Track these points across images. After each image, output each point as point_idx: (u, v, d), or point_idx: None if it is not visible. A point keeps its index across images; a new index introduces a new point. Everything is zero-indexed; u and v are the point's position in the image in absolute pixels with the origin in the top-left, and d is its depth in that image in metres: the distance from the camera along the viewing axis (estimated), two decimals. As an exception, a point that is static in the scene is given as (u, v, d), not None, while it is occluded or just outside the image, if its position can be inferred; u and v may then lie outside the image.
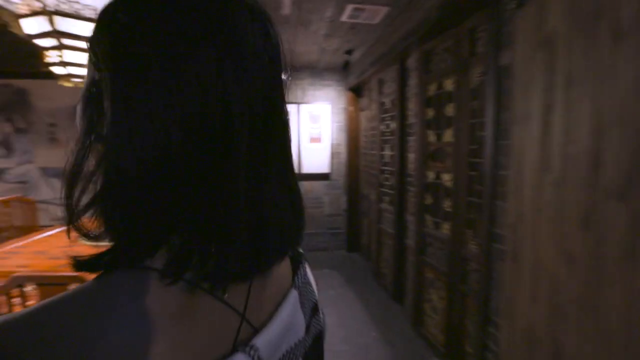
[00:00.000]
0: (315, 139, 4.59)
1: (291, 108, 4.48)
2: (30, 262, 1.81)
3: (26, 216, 3.40)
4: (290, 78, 0.38)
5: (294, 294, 0.36)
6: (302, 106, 4.54)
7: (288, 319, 0.34)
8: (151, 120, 0.26)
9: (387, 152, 3.41)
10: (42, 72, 4.76)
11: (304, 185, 4.58)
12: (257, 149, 0.29)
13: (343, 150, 4.68)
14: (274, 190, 0.31)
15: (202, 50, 0.26)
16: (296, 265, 0.40)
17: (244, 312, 0.31)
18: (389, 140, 3.35)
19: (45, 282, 1.23)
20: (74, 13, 2.07)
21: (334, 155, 4.65)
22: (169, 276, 0.25)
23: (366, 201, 4.24)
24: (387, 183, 3.42)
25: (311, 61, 4.18)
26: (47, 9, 2.00)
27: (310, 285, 0.41)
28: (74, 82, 2.25)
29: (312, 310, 0.39)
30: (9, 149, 4.80)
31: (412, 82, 2.82)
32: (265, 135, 0.30)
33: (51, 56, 2.13)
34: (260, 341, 0.30)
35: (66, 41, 2.10)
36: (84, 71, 2.36)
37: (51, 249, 2.02)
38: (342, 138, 4.67)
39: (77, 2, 2.11)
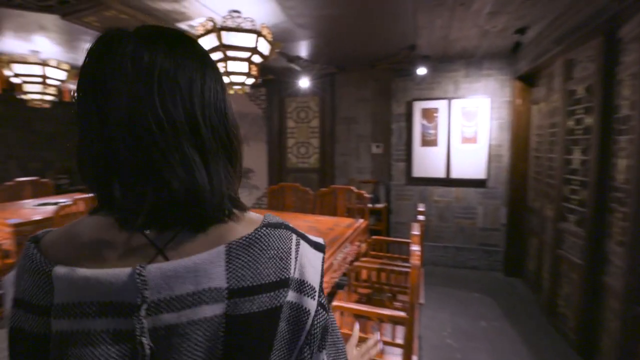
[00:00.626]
0: (468, 139, 3.98)
1: (440, 104, 4.05)
2: None
3: None
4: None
5: (219, 249, 0.41)
6: (454, 102, 4.00)
7: (194, 265, 0.39)
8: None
9: (577, 157, 2.61)
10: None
11: (452, 192, 4.06)
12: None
13: (505, 152, 3.91)
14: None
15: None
16: (259, 235, 0.43)
17: (163, 248, 0.41)
18: (580, 140, 2.55)
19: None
20: (237, 27, 2.24)
21: (492, 158, 3.94)
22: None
23: (536, 217, 3.41)
24: (574, 197, 2.62)
25: (467, 48, 3.62)
26: (217, 26, 2.22)
27: (283, 261, 0.42)
28: (234, 89, 2.47)
29: (276, 284, 0.41)
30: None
31: (628, 58, 2.02)
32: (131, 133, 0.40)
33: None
34: (154, 266, 0.39)
35: (230, 53, 2.30)
36: (241, 79, 2.59)
37: None
38: (503, 138, 3.91)
39: (239, 16, 2.28)
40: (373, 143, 4.72)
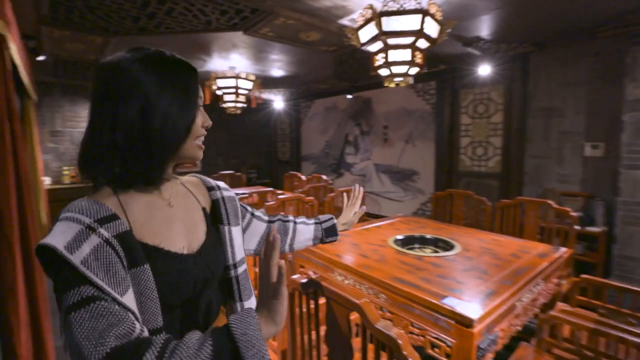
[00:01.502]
0: None
1: None
2: (339, 250, 1.94)
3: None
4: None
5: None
6: None
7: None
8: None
9: None
10: (381, 82, 5.68)
11: None
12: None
13: None
14: None
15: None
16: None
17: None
18: None
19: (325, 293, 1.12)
20: (399, 9, 1.95)
21: None
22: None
23: None
24: None
25: None
26: (376, 12, 1.99)
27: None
28: (395, 82, 2.19)
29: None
30: (356, 147, 6.05)
31: None
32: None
33: (378, 60, 2.15)
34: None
35: (391, 41, 2.03)
36: (403, 69, 2.28)
37: (364, 241, 2.11)
38: None
39: (403, -4, 1.97)
40: (587, 142, 3.49)
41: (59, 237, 0.54)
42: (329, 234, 1.14)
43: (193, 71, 0.71)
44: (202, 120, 0.72)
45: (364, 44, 2.14)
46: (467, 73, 4.24)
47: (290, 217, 1.12)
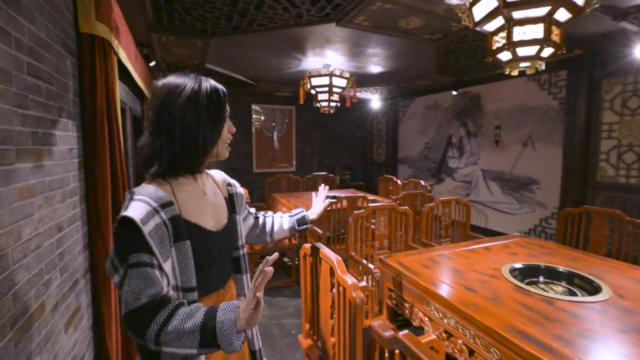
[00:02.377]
0: None
1: None
2: (437, 275, 1.57)
3: (461, 216, 3.51)
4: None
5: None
6: None
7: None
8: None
9: None
10: (493, 75, 4.91)
11: None
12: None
13: None
14: None
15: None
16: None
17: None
18: None
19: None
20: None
21: None
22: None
23: None
24: None
25: None
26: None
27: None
28: (522, 67, 1.72)
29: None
30: (461, 150, 5.38)
31: None
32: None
33: (497, 41, 1.72)
34: None
35: (516, 14, 1.60)
36: (533, 50, 1.78)
37: (469, 267, 1.69)
38: None
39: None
40: None
41: (135, 212, 0.76)
42: (300, 223, 1.38)
43: (222, 94, 0.93)
44: (227, 128, 0.98)
45: (478, 23, 1.74)
46: (616, 57, 3.34)
47: (270, 213, 1.38)
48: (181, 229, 0.84)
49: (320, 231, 3.14)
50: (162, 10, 2.52)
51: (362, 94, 6.52)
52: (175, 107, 0.85)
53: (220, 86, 0.94)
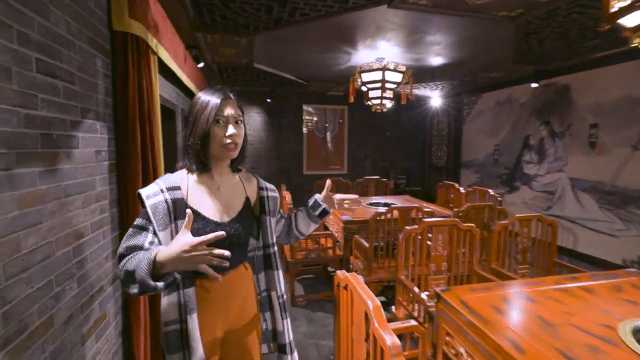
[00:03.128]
0: None
1: None
2: (516, 330, 1.21)
3: (545, 235, 3.02)
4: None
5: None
6: None
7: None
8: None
9: None
10: (590, 61, 4.18)
11: None
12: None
13: None
14: None
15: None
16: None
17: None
18: None
19: None
20: None
21: None
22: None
23: None
24: None
25: None
26: None
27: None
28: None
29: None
30: (541, 154, 4.72)
31: None
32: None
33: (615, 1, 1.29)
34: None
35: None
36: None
37: (565, 319, 1.28)
38: None
39: None
40: None
41: (146, 190, 1.03)
42: (314, 208, 1.38)
43: (215, 96, 1.09)
44: (224, 132, 1.09)
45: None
46: None
47: (294, 211, 1.43)
48: (182, 210, 1.04)
49: (366, 244, 2.88)
50: (202, 7, 2.46)
51: (420, 91, 6.07)
52: (189, 116, 1.11)
53: (213, 97, 1.08)
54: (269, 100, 6.07)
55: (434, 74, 4.68)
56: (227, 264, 0.90)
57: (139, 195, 1.02)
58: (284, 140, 6.50)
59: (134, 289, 0.90)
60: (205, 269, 0.89)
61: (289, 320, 1.26)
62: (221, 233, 0.88)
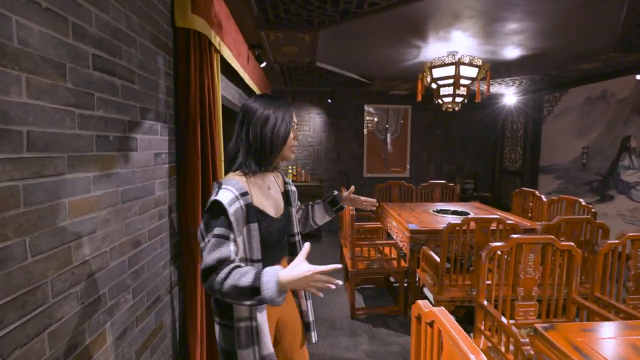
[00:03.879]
0: None
1: None
2: None
3: None
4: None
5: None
6: None
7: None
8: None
9: None
10: None
11: None
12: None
13: None
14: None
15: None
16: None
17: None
18: None
19: None
20: None
21: None
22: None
23: None
24: None
25: None
26: None
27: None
28: None
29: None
30: (645, 159, 3.96)
31: None
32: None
33: None
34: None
35: None
36: None
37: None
38: None
39: None
40: None
41: (224, 198, 1.02)
42: (332, 204, 1.51)
43: (288, 105, 1.21)
44: (293, 135, 1.23)
45: None
46: None
47: (310, 203, 1.54)
48: (252, 213, 1.10)
49: (436, 258, 2.55)
50: (266, 2, 2.33)
51: (493, 88, 5.49)
52: (252, 116, 1.14)
53: (285, 105, 1.20)
54: (329, 100, 5.90)
55: (510, 68, 4.16)
56: (334, 287, 0.98)
57: (219, 204, 1.02)
58: (344, 141, 6.29)
59: (248, 302, 0.95)
60: (315, 291, 0.98)
61: (311, 301, 1.39)
62: (339, 266, 0.98)
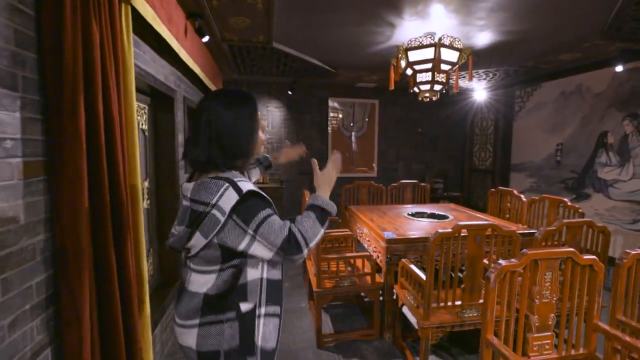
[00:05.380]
0: None
1: None
2: None
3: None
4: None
5: (195, 182, 1.08)
6: None
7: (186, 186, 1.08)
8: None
9: None
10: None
11: None
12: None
13: None
14: None
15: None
16: None
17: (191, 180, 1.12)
18: None
19: None
20: None
21: None
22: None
23: None
24: None
25: None
26: None
27: (210, 193, 0.99)
28: None
29: (204, 203, 1.01)
30: (623, 155, 3.78)
31: None
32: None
33: None
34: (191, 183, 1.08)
35: None
36: None
37: None
38: None
39: None
40: None
41: (251, 187, 1.01)
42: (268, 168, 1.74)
43: (254, 102, 1.14)
44: (261, 129, 1.20)
45: None
46: None
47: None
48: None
49: (421, 274, 2.09)
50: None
51: (464, 82, 5.21)
52: (214, 118, 1.06)
53: (252, 102, 1.14)
54: (290, 92, 5.34)
55: (480, 58, 3.83)
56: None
57: (252, 192, 1.00)
58: (306, 138, 5.76)
59: (323, 227, 1.08)
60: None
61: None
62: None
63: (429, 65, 2.88)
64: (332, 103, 5.81)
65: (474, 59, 3.85)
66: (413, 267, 2.25)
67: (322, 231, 1.06)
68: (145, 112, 2.53)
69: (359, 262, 2.90)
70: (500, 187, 4.02)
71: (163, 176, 2.76)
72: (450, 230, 2.00)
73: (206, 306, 0.99)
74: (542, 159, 4.81)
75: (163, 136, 2.71)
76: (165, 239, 1.21)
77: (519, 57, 3.86)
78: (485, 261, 2.13)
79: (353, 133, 5.98)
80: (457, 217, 3.30)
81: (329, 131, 5.85)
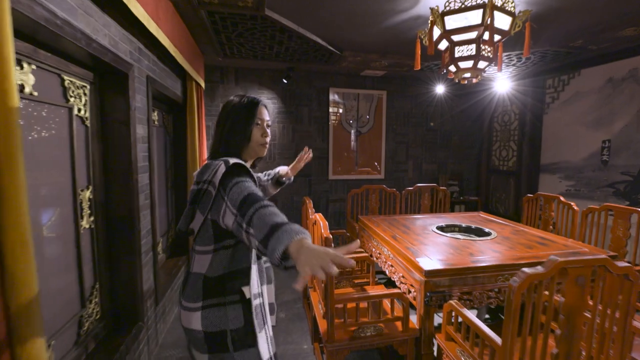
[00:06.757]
0: None
1: None
2: None
3: None
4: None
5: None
6: None
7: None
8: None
9: None
10: None
11: None
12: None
13: None
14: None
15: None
16: None
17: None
18: None
19: None
20: None
21: None
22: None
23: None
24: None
25: None
26: None
27: (208, 171, 1.12)
28: None
29: (204, 181, 1.14)
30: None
31: None
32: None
33: None
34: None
35: None
36: None
37: None
38: None
39: None
40: None
41: (238, 161, 1.10)
42: (279, 183, 1.68)
43: (254, 105, 1.26)
44: (260, 133, 1.27)
45: None
46: None
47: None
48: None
49: (494, 337, 1.41)
50: None
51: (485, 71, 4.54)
52: (223, 116, 1.26)
53: (251, 100, 1.27)
54: (285, 80, 4.62)
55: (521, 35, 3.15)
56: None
57: (238, 165, 1.09)
58: (304, 135, 5.05)
59: (258, 240, 0.93)
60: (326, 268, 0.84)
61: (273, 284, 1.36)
62: (352, 263, 0.80)
63: (473, 35, 2.20)
64: (333, 94, 5.10)
65: (505, 41, 3.17)
66: (477, 321, 1.56)
67: (258, 242, 0.89)
68: (84, 93, 1.80)
69: (386, 305, 2.18)
70: (540, 193, 3.37)
71: (115, 183, 2.04)
72: (542, 270, 1.31)
73: (207, 288, 1.08)
74: (582, 159, 4.17)
75: (113, 127, 1.98)
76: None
77: (567, 34, 3.20)
78: (587, 314, 1.45)
79: (356, 128, 5.28)
80: (501, 233, 2.63)
81: (330, 126, 5.14)
